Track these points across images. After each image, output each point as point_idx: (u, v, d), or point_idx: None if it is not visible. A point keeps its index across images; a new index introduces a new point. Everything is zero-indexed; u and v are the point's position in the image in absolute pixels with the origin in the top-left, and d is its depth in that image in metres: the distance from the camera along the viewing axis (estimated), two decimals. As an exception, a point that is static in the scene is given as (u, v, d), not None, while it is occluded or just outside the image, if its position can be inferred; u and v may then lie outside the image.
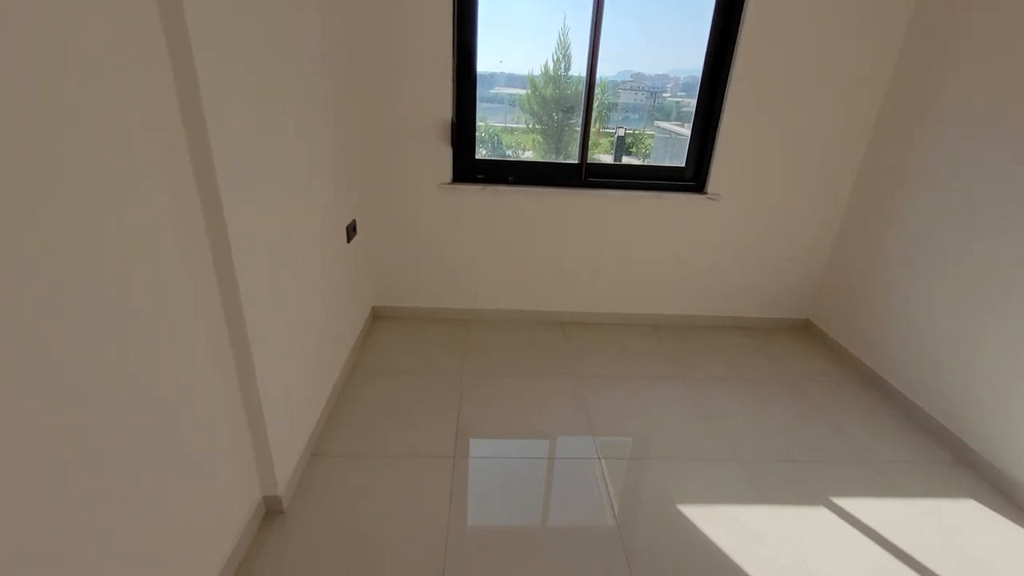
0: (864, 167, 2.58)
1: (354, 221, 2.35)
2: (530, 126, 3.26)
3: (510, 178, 2.60)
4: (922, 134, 2.25)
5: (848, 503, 1.77)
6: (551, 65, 3.09)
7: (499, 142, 3.48)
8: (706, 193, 2.64)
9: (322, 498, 1.68)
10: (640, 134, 4.39)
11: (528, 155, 3.53)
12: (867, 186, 2.57)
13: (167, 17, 1.04)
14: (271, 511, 1.59)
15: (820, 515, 1.72)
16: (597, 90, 3.00)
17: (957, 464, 1.99)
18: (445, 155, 2.50)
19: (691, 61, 3.71)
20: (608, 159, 3.40)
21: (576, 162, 2.62)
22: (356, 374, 2.34)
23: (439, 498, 1.70)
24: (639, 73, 3.61)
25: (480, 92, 2.45)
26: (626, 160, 4.37)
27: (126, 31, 0.96)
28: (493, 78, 2.40)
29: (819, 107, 2.46)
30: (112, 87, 0.93)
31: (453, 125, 2.43)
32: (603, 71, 2.81)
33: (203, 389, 1.25)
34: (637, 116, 4.11)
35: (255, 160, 1.37)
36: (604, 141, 3.48)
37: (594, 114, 2.59)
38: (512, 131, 3.49)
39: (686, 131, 3.88)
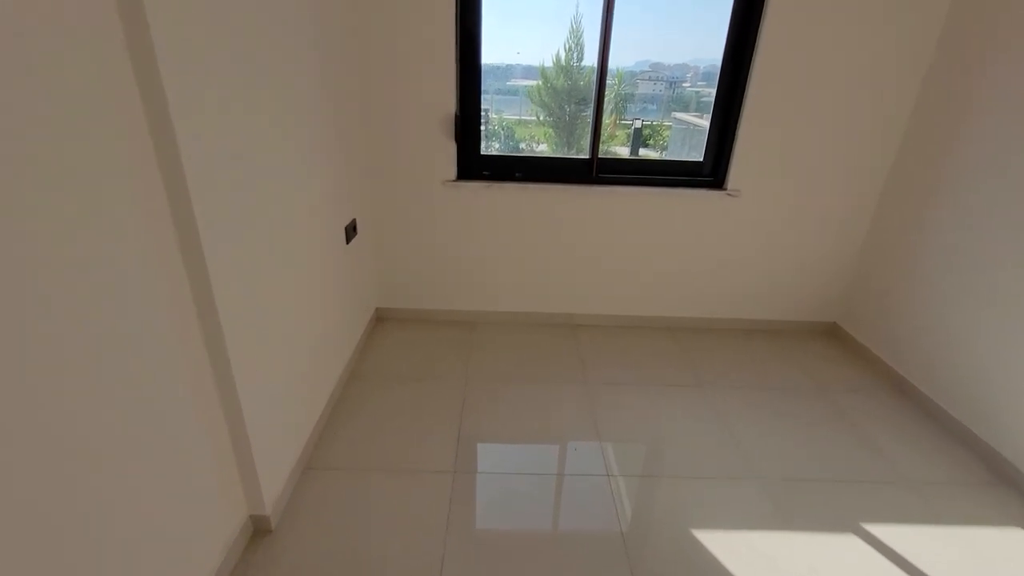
0: (898, 161, 2.39)
1: (354, 221, 2.26)
2: (540, 119, 3.13)
3: (517, 175, 2.48)
4: (963, 126, 2.06)
5: (880, 530, 1.62)
6: (563, 55, 2.95)
7: (512, 135, 3.36)
8: (725, 189, 2.48)
9: (313, 516, 1.59)
10: (658, 126, 4.21)
11: (542, 148, 3.40)
12: (901, 181, 2.38)
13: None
14: (259, 530, 1.51)
15: (849, 543, 1.58)
16: (613, 80, 2.85)
17: (1000, 485, 1.82)
18: (449, 151, 2.38)
19: (712, 50, 3.52)
20: (624, 152, 3.25)
21: (587, 157, 2.48)
22: (356, 380, 2.25)
23: (437, 517, 1.60)
24: (658, 63, 3.44)
25: (496, 84, 2.32)
26: (643, 153, 4.21)
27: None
28: (509, 70, 2.28)
29: (848, 96, 2.28)
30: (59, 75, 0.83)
31: (457, 119, 2.31)
32: (620, 61, 2.66)
33: (179, 405, 1.16)
34: (655, 107, 3.94)
35: (234, 161, 1.27)
36: (620, 133, 3.33)
37: (610, 105, 2.44)
38: (526, 124, 3.36)
39: (705, 122, 3.71)
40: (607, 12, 2.20)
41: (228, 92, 1.24)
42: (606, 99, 2.85)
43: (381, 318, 2.76)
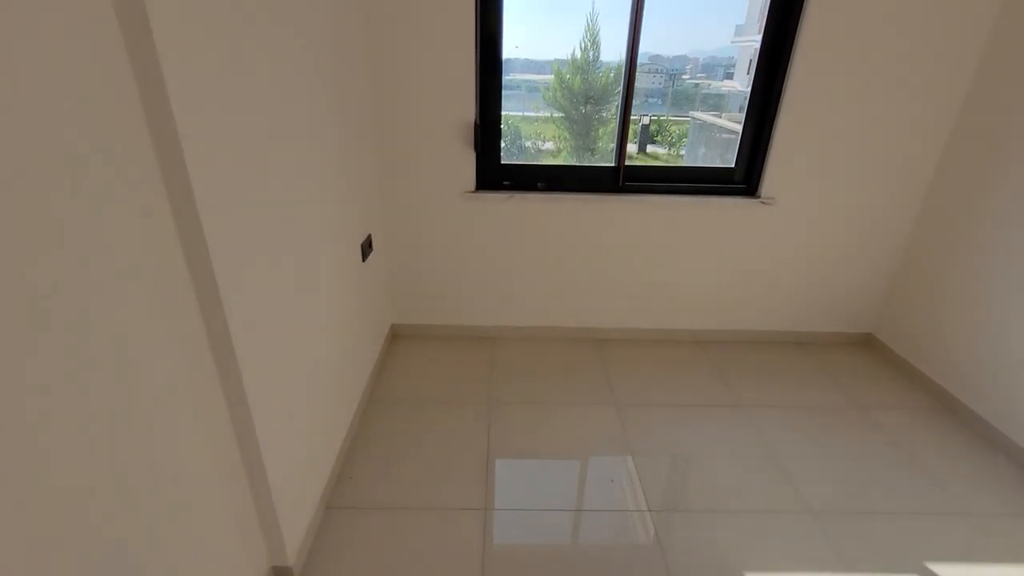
0: (944, 162, 2.26)
1: (369, 236, 2.14)
2: (551, 115, 3.00)
3: (540, 184, 2.35)
4: (1016, 124, 1.93)
5: (949, 570, 1.51)
6: (578, 54, 2.83)
7: (519, 133, 3.23)
8: (759, 197, 2.35)
9: (337, 563, 1.48)
10: (665, 121, 4.09)
11: (549, 146, 3.27)
12: (948, 184, 2.25)
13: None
14: (281, 582, 1.40)
15: (916, 587, 1.46)
16: (612, 75, 2.72)
17: (1070, 516, 1.70)
18: (468, 160, 2.26)
19: (711, 41, 3.40)
20: (631, 149, 3.13)
21: (612, 165, 2.36)
22: (375, 405, 2.13)
23: (470, 560, 1.49)
24: (657, 55, 3.32)
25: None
26: (651, 150, 4.08)
27: None
28: (508, 64, 2.16)
29: (891, 98, 2.14)
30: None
31: (476, 127, 2.18)
32: (615, 54, 2.55)
33: (194, 452, 1.05)
34: (659, 101, 3.82)
35: (247, 186, 1.15)
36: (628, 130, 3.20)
37: (620, 102, 2.29)
38: (532, 121, 3.23)
39: (723, 121, 3.56)
40: (637, 5, 2.04)
41: (241, 116, 1.12)
42: (612, 96, 2.72)
43: (397, 335, 2.64)
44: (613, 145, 2.36)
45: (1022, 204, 1.92)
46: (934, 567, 1.52)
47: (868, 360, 2.57)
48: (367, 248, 2.10)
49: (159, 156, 0.91)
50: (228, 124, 1.06)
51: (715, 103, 3.68)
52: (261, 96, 1.21)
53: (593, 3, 2.66)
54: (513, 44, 2.31)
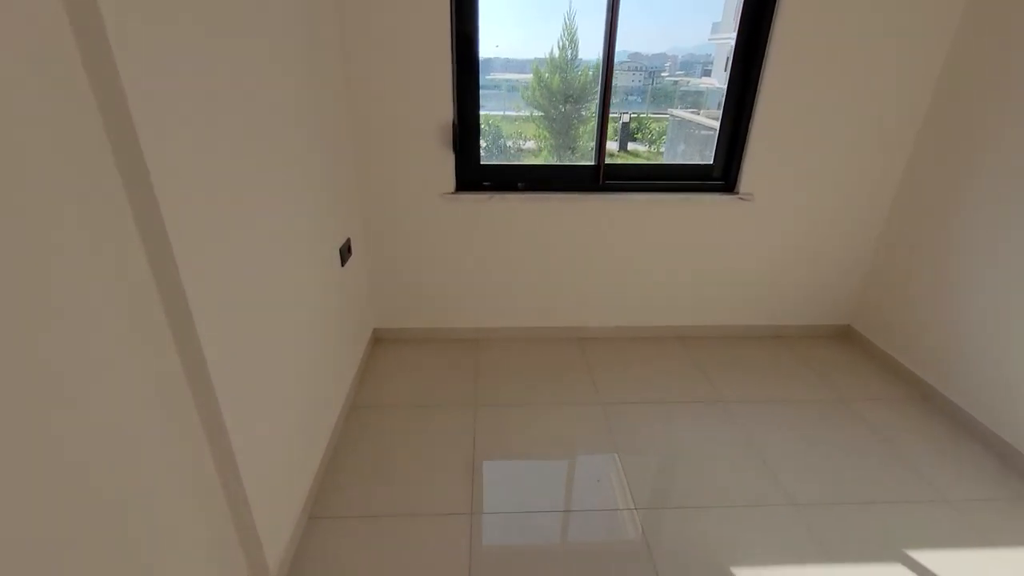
0: (915, 156, 2.31)
1: (348, 241, 2.11)
2: (531, 115, 2.99)
3: (520, 184, 2.34)
4: (982, 119, 1.98)
5: (927, 557, 1.53)
6: (556, 53, 2.82)
7: (499, 133, 3.21)
8: (737, 193, 2.37)
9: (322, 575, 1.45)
10: (645, 119, 4.11)
11: (530, 145, 3.26)
12: (918, 177, 2.29)
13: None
14: (262, 598, 1.37)
15: (897, 575, 1.48)
16: (591, 73, 2.73)
17: (1043, 499, 1.75)
18: (447, 162, 2.24)
19: (688, 39, 3.43)
20: (612, 146, 3.13)
21: (592, 164, 2.35)
22: (357, 411, 2.10)
23: (458, 566, 1.47)
24: (636, 52, 3.34)
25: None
26: (632, 148, 4.10)
27: None
28: (489, 64, 2.15)
29: (863, 94, 2.18)
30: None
31: (455, 128, 2.16)
32: (593, 52, 2.56)
33: (165, 468, 1.01)
34: (639, 99, 3.84)
35: (217, 197, 1.12)
36: (607, 129, 3.21)
37: (598, 101, 2.29)
38: (512, 120, 3.22)
39: (701, 118, 3.59)
40: (613, 2, 2.04)
41: (209, 121, 1.09)
42: (591, 94, 2.72)
43: (379, 339, 2.61)
44: (593, 144, 2.36)
45: (990, 198, 1.97)
46: (914, 554, 1.54)
47: (847, 352, 2.61)
48: (346, 252, 2.07)
49: (122, 173, 0.87)
50: (195, 130, 1.03)
51: (694, 100, 3.71)
52: (230, 101, 1.17)
53: (571, 2, 2.66)
54: (493, 44, 2.30)
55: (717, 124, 2.34)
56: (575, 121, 2.97)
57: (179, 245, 0.96)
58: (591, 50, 2.70)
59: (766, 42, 2.10)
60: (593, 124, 2.47)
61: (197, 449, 1.12)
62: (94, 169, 0.83)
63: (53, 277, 0.76)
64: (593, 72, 2.73)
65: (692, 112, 3.70)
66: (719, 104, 2.34)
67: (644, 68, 3.65)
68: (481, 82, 2.16)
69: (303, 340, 1.62)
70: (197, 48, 1.05)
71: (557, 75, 2.89)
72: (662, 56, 3.64)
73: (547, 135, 3.11)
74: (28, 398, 0.71)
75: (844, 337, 2.74)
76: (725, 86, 2.25)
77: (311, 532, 1.57)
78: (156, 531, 0.99)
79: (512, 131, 3.31)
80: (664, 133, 4.04)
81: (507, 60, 2.84)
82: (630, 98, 3.71)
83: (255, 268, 1.30)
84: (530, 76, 2.88)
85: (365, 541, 1.55)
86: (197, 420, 1.11)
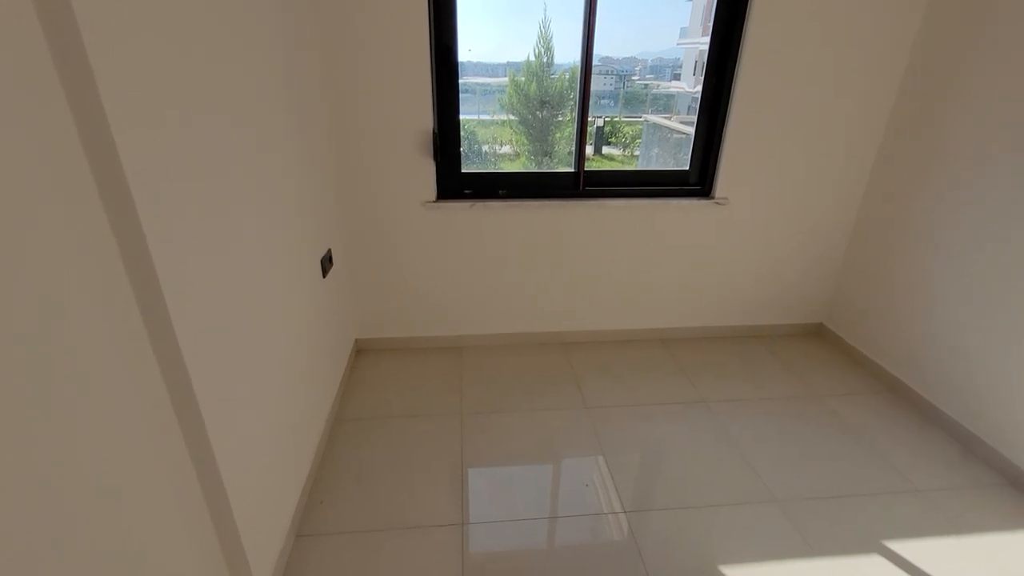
0: (879, 161, 2.41)
1: (329, 251, 2.08)
2: (507, 119, 3.00)
3: (501, 192, 2.35)
4: (942, 125, 2.08)
5: (903, 547, 1.60)
6: (532, 59, 2.84)
7: (475, 138, 3.21)
8: (713, 198, 2.43)
9: (312, 594, 1.43)
10: (619, 122, 4.18)
11: (506, 149, 3.27)
12: (882, 180, 2.39)
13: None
14: (251, 622, 1.34)
15: (876, 566, 1.54)
16: (567, 77, 2.77)
17: (1006, 487, 1.83)
18: (428, 170, 2.23)
19: (657, 43, 3.51)
20: (588, 150, 3.17)
21: (572, 170, 2.38)
22: (342, 424, 2.07)
23: (449, 579, 1.47)
24: (607, 57, 3.40)
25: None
26: (607, 151, 4.16)
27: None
28: (463, 68, 2.16)
29: (828, 101, 2.26)
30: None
31: (435, 136, 2.16)
32: (568, 56, 2.60)
33: (149, 489, 0.98)
34: (611, 102, 3.90)
35: (196, 212, 1.10)
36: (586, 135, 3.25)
37: (576, 109, 2.32)
38: (488, 124, 3.22)
39: (673, 123, 3.67)
40: (589, 12, 2.07)
41: (186, 134, 1.06)
42: (568, 100, 2.76)
43: (361, 350, 2.58)
44: (571, 149, 2.39)
45: (953, 198, 2.07)
46: (891, 544, 1.61)
47: (820, 349, 2.70)
48: (327, 263, 2.04)
49: (99, 184, 0.85)
50: (172, 142, 1.00)
51: (665, 104, 3.78)
52: (208, 110, 1.15)
53: (545, 9, 2.69)
54: (466, 48, 2.30)
55: (688, 129, 2.39)
56: (552, 127, 3.00)
57: (159, 258, 0.94)
58: (566, 55, 2.74)
59: (737, 51, 2.16)
60: (570, 130, 2.51)
61: (182, 470, 1.09)
62: (71, 179, 0.80)
63: (29, 292, 0.73)
64: (570, 76, 2.76)
65: (665, 117, 3.78)
66: (690, 108, 2.39)
67: (615, 72, 3.71)
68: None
69: (285, 354, 1.59)
70: (175, 57, 1.02)
71: (534, 82, 2.91)
72: (632, 60, 3.70)
73: (525, 140, 3.13)
74: None
75: (817, 335, 2.83)
76: (696, 91, 2.31)
77: (299, 551, 1.54)
78: (140, 557, 0.96)
79: (488, 136, 3.31)
80: (638, 137, 4.11)
81: (479, 64, 2.84)
82: (602, 102, 3.77)
83: (236, 282, 1.27)
84: (505, 80, 2.89)
85: (355, 558, 1.53)
86: (180, 439, 1.08)
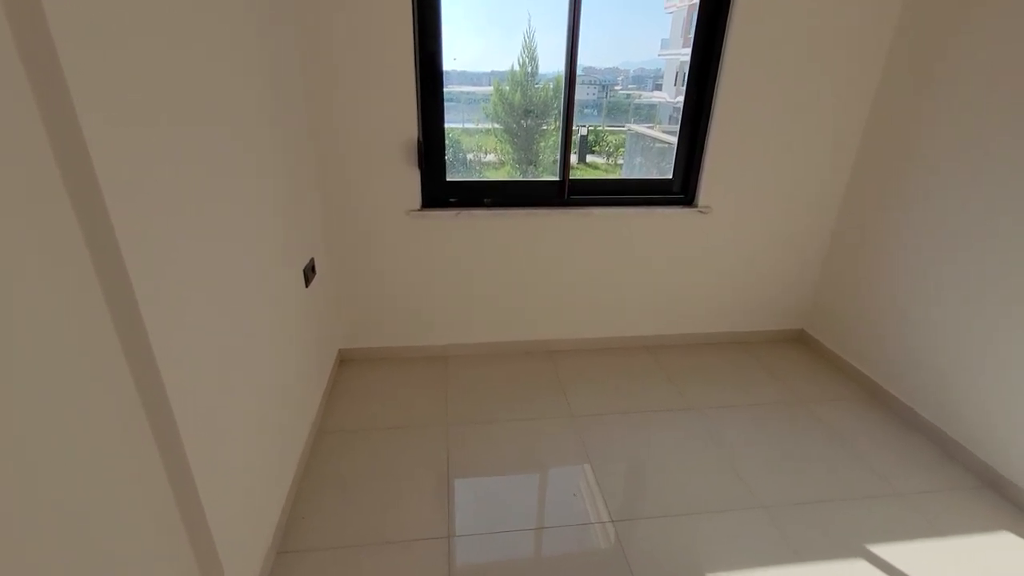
0: (856, 169, 2.47)
1: (312, 261, 2.05)
2: (492, 127, 3.01)
3: (486, 200, 2.35)
4: (916, 134, 2.14)
5: (886, 550, 1.62)
6: (517, 69, 2.86)
7: (459, 146, 3.21)
8: (696, 206, 2.46)
9: (294, 613, 1.39)
10: (602, 131, 4.23)
11: (491, 158, 3.28)
12: (859, 189, 2.45)
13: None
14: (230, 643, 1.29)
15: (859, 570, 1.56)
16: (551, 87, 2.80)
17: (983, 488, 1.87)
18: (412, 179, 2.22)
19: (639, 54, 3.57)
20: (572, 159, 3.21)
21: (557, 179, 2.39)
22: (326, 436, 2.04)
23: (435, 595, 1.44)
24: (590, 67, 3.44)
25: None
26: (591, 160, 4.21)
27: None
28: (447, 77, 2.17)
29: (806, 110, 2.32)
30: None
31: (420, 144, 2.15)
32: (553, 66, 2.63)
33: (122, 506, 0.95)
34: (594, 112, 3.95)
35: (173, 221, 1.07)
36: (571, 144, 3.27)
37: (561, 119, 2.34)
38: (472, 133, 3.23)
39: (656, 132, 3.73)
40: (573, 24, 2.10)
41: (165, 142, 1.04)
42: (552, 109, 2.79)
43: (345, 360, 2.54)
44: (555, 158, 2.40)
45: (925, 207, 2.12)
46: (873, 548, 1.63)
47: (802, 355, 2.74)
48: (310, 273, 2.01)
49: (70, 192, 0.82)
50: (147, 148, 0.98)
51: (647, 114, 3.84)
52: (186, 120, 1.12)
53: (529, 19, 2.71)
54: (451, 57, 2.30)
55: (670, 138, 2.42)
56: (537, 136, 3.02)
57: (134, 268, 0.91)
58: (550, 64, 2.76)
59: (718, 63, 2.20)
60: (555, 139, 2.52)
61: (156, 488, 1.05)
62: (43, 188, 0.78)
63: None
64: (554, 87, 2.78)
65: (647, 127, 3.84)
66: (671, 118, 2.42)
67: (598, 82, 3.76)
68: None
69: (265, 365, 1.55)
70: (153, 62, 1.00)
71: (519, 91, 2.92)
72: (614, 70, 3.76)
73: (509, 149, 3.14)
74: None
75: (798, 341, 2.87)
76: (677, 101, 2.35)
77: (281, 569, 1.50)
78: (114, 570, 0.92)
79: (472, 144, 3.31)
80: (621, 146, 4.16)
81: (464, 72, 2.85)
82: (586, 111, 3.81)
83: (213, 291, 1.24)
84: (489, 89, 2.90)
85: (339, 575, 1.49)
86: (156, 455, 1.05)
